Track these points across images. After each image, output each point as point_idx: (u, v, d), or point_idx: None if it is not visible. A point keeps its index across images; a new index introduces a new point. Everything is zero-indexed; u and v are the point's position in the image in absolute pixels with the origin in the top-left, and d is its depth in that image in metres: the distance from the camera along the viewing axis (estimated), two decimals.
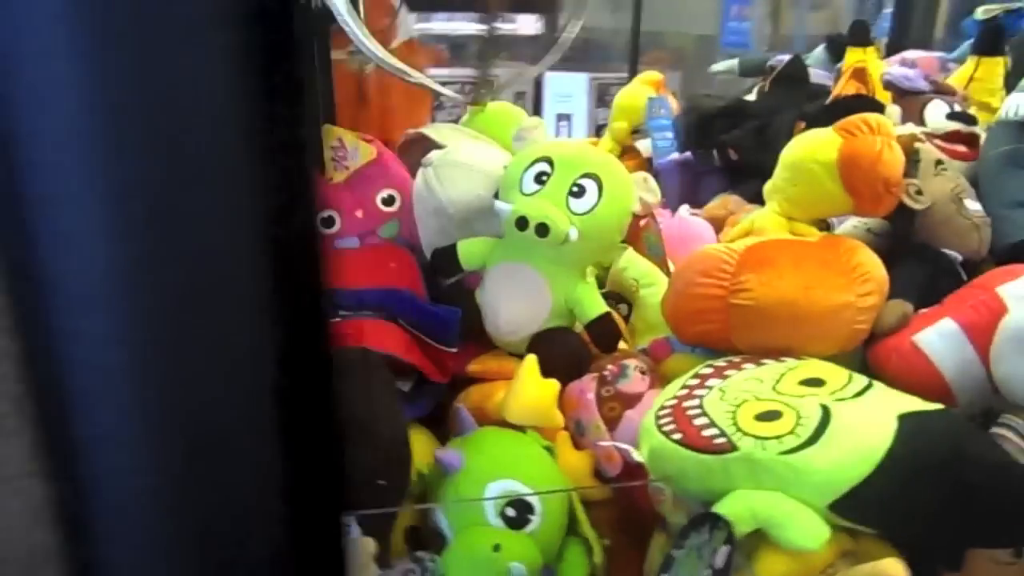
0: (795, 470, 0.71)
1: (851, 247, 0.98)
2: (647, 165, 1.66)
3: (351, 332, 1.00)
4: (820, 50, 1.71)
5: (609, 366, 0.99)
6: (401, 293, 1.07)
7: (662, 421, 0.84)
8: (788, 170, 1.04)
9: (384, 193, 1.19)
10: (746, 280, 0.94)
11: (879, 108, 1.25)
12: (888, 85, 1.31)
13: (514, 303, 1.05)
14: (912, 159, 1.04)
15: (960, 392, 0.92)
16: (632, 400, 0.96)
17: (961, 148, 1.17)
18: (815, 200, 1.02)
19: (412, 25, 2.28)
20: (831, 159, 0.99)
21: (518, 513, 0.86)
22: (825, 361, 0.91)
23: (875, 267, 0.97)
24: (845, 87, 1.29)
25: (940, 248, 1.04)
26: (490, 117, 1.54)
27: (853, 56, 1.61)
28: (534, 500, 0.87)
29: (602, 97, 3.96)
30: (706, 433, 0.78)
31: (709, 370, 0.92)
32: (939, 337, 0.93)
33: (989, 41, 1.42)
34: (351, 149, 1.22)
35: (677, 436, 0.79)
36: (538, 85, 5.04)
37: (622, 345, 1.09)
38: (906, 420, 0.72)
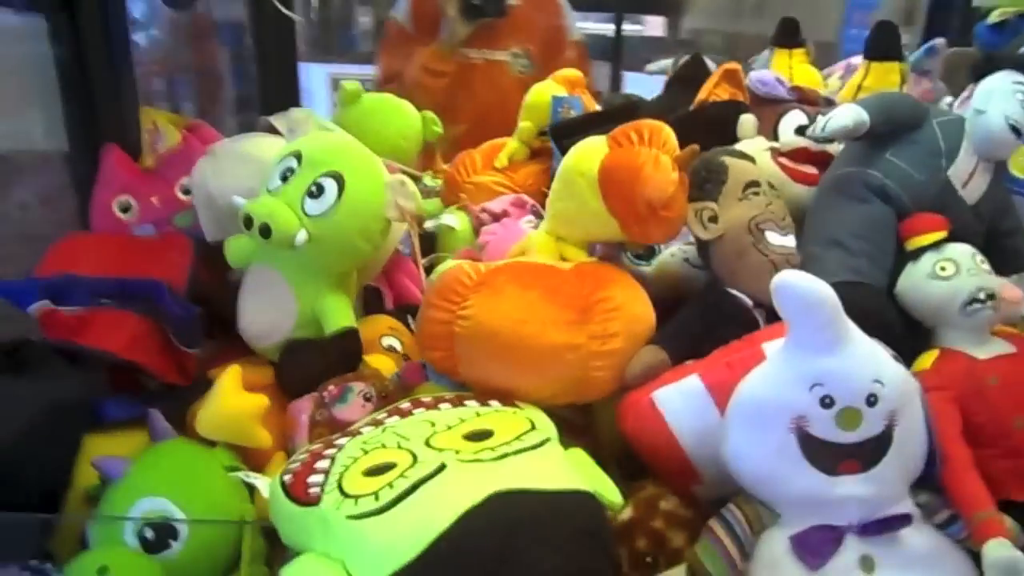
0: (355, 539, 0.61)
1: (603, 278, 0.85)
2: None
3: (74, 324, 0.95)
4: (766, 52, 1.52)
5: (331, 387, 0.90)
6: (159, 286, 1.01)
7: (296, 458, 0.74)
8: (558, 181, 0.90)
9: (185, 180, 1.14)
10: (470, 306, 0.83)
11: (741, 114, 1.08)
12: (748, 92, 1.14)
13: (261, 308, 0.98)
14: (713, 178, 0.89)
15: (702, 465, 0.79)
16: (341, 428, 0.86)
17: (810, 170, 1.00)
18: (579, 218, 0.88)
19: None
20: (593, 171, 0.85)
21: (157, 536, 0.79)
22: (530, 410, 0.78)
23: (630, 304, 0.84)
24: (716, 91, 1.12)
25: (735, 288, 0.88)
26: (367, 110, 1.46)
27: (780, 59, 1.43)
28: (180, 525, 0.79)
29: None
30: (311, 480, 0.68)
31: (406, 405, 0.81)
32: (680, 396, 0.79)
33: (882, 43, 1.20)
34: (162, 133, 1.17)
35: (286, 477, 0.70)
36: (615, 82, 4.92)
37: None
38: (492, 501, 0.60)
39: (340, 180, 0.91)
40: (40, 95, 1.13)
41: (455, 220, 1.35)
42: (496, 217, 1.30)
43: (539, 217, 1.31)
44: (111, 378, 0.98)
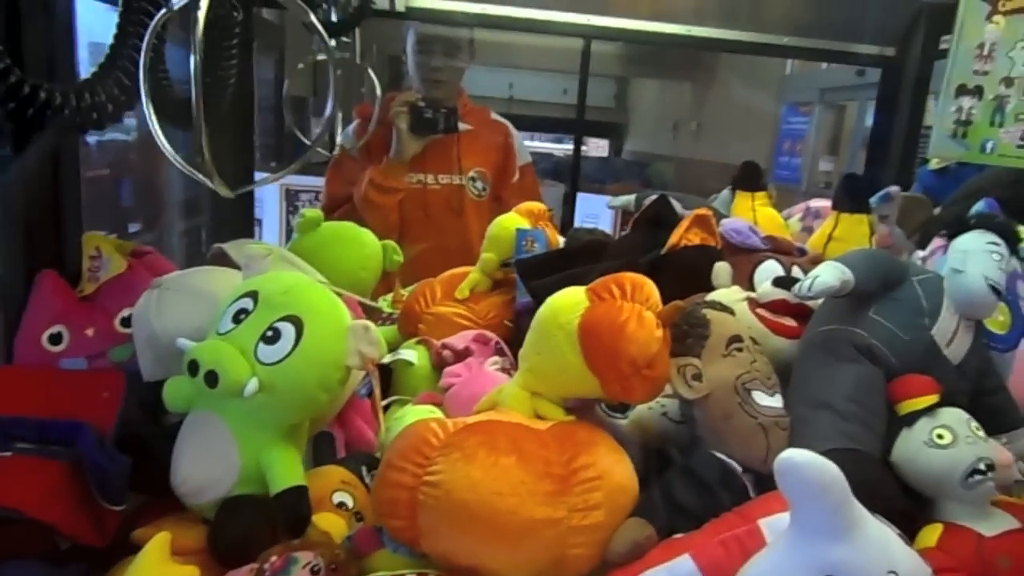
0: None
1: (583, 441, 0.78)
2: None
3: None
4: (726, 192, 1.54)
5: (273, 557, 0.79)
6: (84, 431, 0.90)
7: None
8: (533, 332, 0.85)
9: (126, 312, 1.05)
10: (438, 471, 0.75)
11: (715, 261, 1.06)
12: (720, 238, 1.13)
13: (198, 459, 0.88)
14: (695, 333, 0.85)
15: None
16: None
17: (789, 322, 0.97)
18: (556, 374, 0.83)
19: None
20: (573, 326, 0.80)
21: None
22: None
23: (612, 472, 0.77)
24: (687, 235, 1.11)
25: (722, 450, 0.82)
26: (325, 238, 1.41)
27: (742, 202, 1.44)
28: None
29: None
30: None
31: None
32: None
33: (849, 195, 1.22)
34: (105, 259, 1.09)
35: None
36: (570, 204, 5.04)
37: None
38: None
39: (299, 325, 0.84)
40: None
41: (413, 355, 1.28)
42: (458, 355, 1.24)
43: (503, 356, 1.25)
44: (17, 534, 0.86)
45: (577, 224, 3.60)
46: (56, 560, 0.88)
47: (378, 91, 2.01)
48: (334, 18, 1.84)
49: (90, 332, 1.04)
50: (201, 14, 0.81)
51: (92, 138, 2.81)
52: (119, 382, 0.99)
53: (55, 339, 1.04)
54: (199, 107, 0.85)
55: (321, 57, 1.91)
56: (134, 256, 1.13)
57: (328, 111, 1.18)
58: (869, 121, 3.93)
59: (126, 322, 1.05)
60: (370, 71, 2.04)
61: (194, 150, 0.88)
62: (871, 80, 2.47)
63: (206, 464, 0.87)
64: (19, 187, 1.05)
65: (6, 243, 1.07)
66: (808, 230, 1.39)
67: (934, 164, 2.04)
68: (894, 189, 1.48)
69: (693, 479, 0.80)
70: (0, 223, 1.03)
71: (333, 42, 1.84)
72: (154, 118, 0.90)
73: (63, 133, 1.02)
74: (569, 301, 0.82)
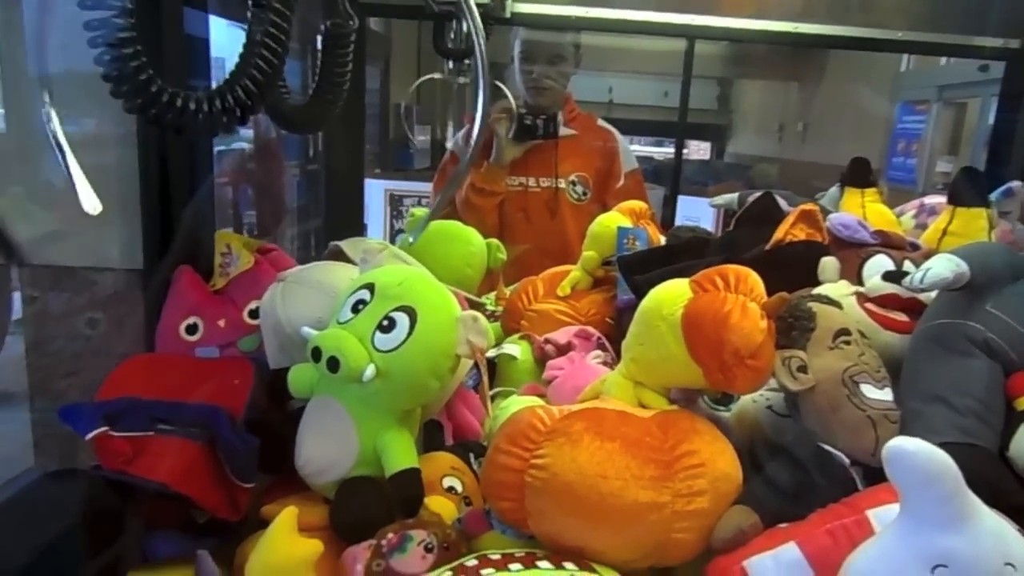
0: None
1: (686, 429, 0.79)
2: None
3: (127, 451, 0.92)
4: (835, 189, 1.50)
5: (390, 534, 0.84)
6: (218, 414, 0.98)
7: None
8: (637, 324, 0.87)
9: (253, 304, 1.13)
10: (545, 455, 0.78)
11: (822, 256, 1.05)
12: (828, 234, 1.10)
13: (319, 442, 0.94)
14: (800, 325, 0.85)
15: None
16: None
17: (900, 316, 0.94)
18: (660, 363, 0.84)
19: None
20: (676, 316, 0.81)
21: None
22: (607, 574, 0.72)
23: (715, 460, 0.78)
24: (792, 231, 1.09)
25: (829, 443, 0.81)
26: (433, 236, 1.47)
27: (851, 198, 1.40)
28: None
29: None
30: None
31: (473, 563, 0.76)
32: (777, 566, 0.72)
33: (967, 188, 1.17)
34: (235, 255, 1.17)
35: None
36: (671, 207, 5.02)
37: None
38: None
39: (412, 315, 0.89)
40: (120, 210, 1.15)
41: (516, 350, 1.32)
42: (560, 349, 1.26)
43: (605, 351, 1.27)
44: (161, 508, 0.94)
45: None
46: (194, 532, 0.96)
47: (512, 101, 2.10)
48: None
49: (222, 323, 1.13)
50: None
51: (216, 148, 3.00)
52: (248, 369, 1.07)
53: (191, 329, 1.13)
54: None
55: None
56: (260, 253, 1.21)
57: (475, 133, 1.23)
58: (992, 119, 3.72)
59: (254, 314, 1.13)
60: (501, 84, 2.12)
61: None
62: (995, 76, 2.34)
63: (327, 446, 0.93)
64: (160, 190, 1.15)
65: (149, 241, 1.17)
66: (922, 227, 1.34)
67: None
68: (1016, 184, 1.41)
69: (798, 468, 0.80)
70: (145, 224, 1.13)
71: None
72: None
73: (198, 137, 1.11)
74: (673, 292, 0.84)
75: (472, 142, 2.17)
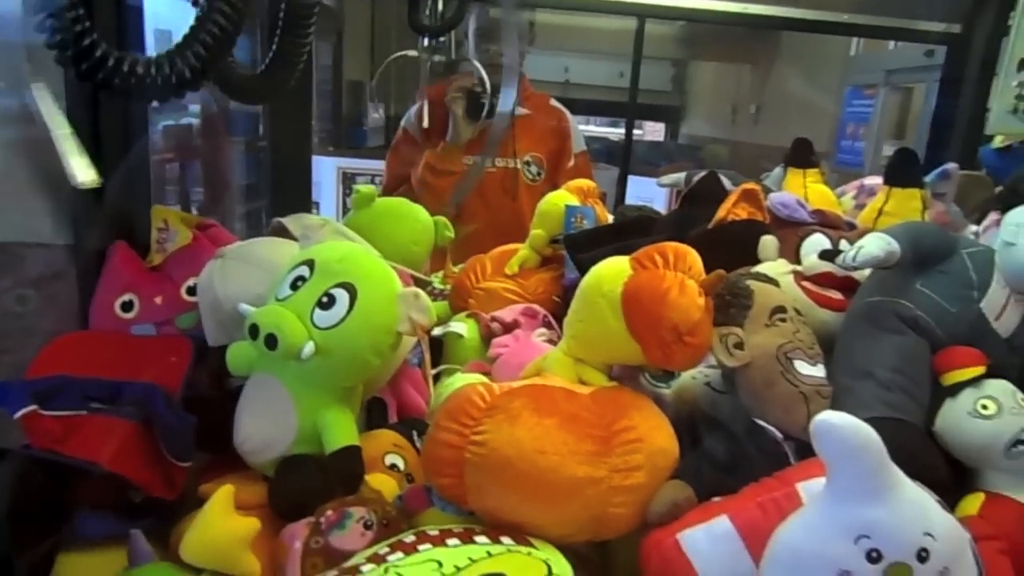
0: None
1: (625, 405, 0.80)
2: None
3: (59, 431, 0.90)
4: (779, 170, 1.53)
5: (329, 511, 0.84)
6: (154, 391, 0.96)
7: None
8: (577, 301, 0.87)
9: (191, 281, 1.11)
10: (484, 431, 0.78)
11: (762, 235, 1.06)
12: (768, 213, 1.12)
13: (258, 420, 0.92)
14: (738, 303, 0.86)
15: None
16: (337, 558, 0.80)
17: (835, 295, 0.97)
18: (599, 340, 0.85)
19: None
20: (616, 293, 0.82)
21: None
22: (545, 549, 0.72)
23: (652, 435, 0.79)
24: (735, 210, 1.11)
25: (763, 418, 0.83)
26: (379, 213, 1.45)
27: (794, 179, 1.43)
28: None
29: None
30: None
31: (411, 538, 0.76)
32: (707, 538, 0.73)
33: (902, 169, 1.20)
34: (173, 231, 1.14)
35: None
36: (622, 186, 5.04)
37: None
38: None
39: (352, 291, 0.88)
40: (50, 185, 1.11)
41: (463, 328, 1.32)
42: (507, 327, 1.27)
43: (550, 329, 1.28)
44: (94, 487, 0.92)
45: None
46: (129, 512, 0.94)
47: (487, 81, 2.07)
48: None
49: (159, 300, 1.10)
50: None
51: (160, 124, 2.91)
52: (186, 347, 1.05)
53: (127, 306, 1.10)
54: None
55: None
56: (199, 229, 1.19)
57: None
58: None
59: (192, 291, 1.10)
60: (475, 62, 2.10)
61: None
62: (939, 61, 2.39)
63: (266, 424, 0.92)
64: (92, 163, 1.11)
65: (81, 216, 1.13)
66: (861, 207, 1.37)
67: (998, 143, 1.98)
68: (952, 166, 1.44)
69: (733, 443, 0.82)
70: (76, 198, 1.09)
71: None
72: None
73: (139, 105, 1.07)
74: (613, 269, 0.84)
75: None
